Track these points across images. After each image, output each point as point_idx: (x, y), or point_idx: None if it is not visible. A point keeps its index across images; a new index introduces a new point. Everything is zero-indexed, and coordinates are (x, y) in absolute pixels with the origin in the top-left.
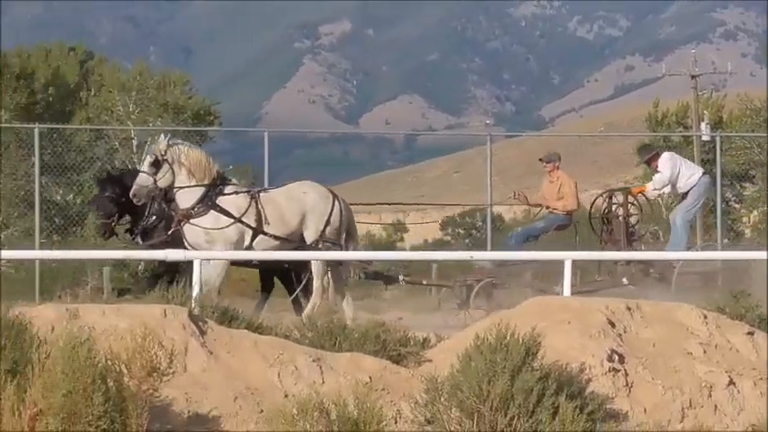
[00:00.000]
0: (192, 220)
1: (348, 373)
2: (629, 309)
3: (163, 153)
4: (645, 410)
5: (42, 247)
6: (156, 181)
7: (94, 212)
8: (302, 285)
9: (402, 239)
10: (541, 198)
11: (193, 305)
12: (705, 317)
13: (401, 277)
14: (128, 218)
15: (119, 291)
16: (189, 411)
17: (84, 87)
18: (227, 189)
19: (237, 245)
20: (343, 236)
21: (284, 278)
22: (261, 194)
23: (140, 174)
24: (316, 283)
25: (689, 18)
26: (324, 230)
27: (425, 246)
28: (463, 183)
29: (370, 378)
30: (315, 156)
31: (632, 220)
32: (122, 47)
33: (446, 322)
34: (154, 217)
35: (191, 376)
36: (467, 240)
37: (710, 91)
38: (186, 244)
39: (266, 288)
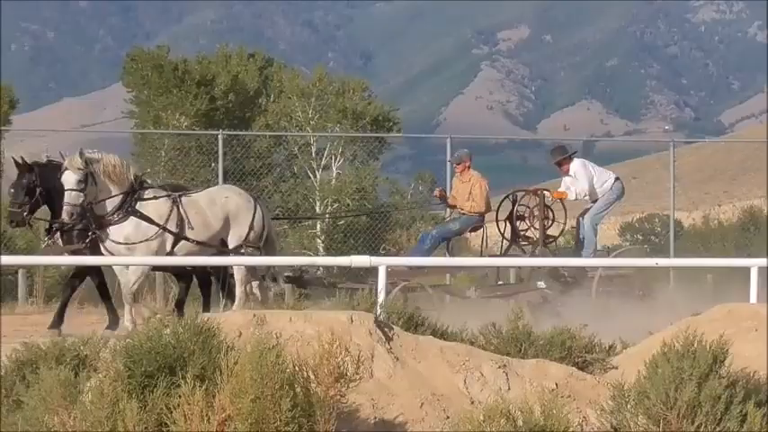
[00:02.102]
0: (111, 229)
1: (534, 379)
2: None
3: (84, 167)
4: None
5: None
6: (86, 197)
7: (9, 198)
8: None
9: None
10: (452, 198)
11: (379, 311)
12: None
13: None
14: (42, 211)
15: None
16: (375, 417)
17: (263, 93)
18: (147, 193)
19: (159, 252)
20: (263, 240)
21: (202, 283)
22: (182, 198)
23: (69, 193)
24: (239, 290)
25: None
26: (248, 235)
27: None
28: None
29: (556, 385)
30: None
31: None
32: (301, 52)
33: None
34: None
35: (377, 382)
36: (646, 246)
37: None
38: (103, 250)
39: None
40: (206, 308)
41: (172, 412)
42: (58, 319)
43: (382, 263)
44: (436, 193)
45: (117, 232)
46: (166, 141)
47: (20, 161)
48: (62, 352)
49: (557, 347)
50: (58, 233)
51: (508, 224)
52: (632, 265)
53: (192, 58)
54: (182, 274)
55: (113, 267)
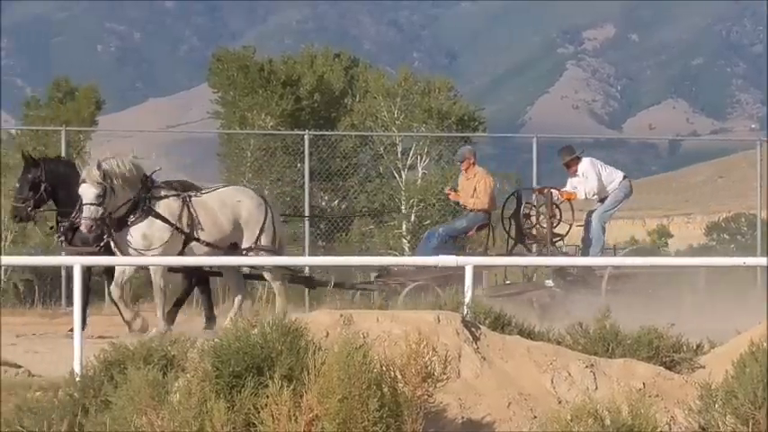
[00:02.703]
0: (129, 228)
1: (621, 379)
2: None
3: (102, 181)
4: None
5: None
6: (105, 209)
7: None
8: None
9: (666, 245)
10: (455, 195)
11: (466, 311)
12: None
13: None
14: (48, 208)
15: None
16: (462, 417)
17: (348, 93)
18: (158, 193)
19: (171, 252)
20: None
21: (202, 285)
22: (192, 198)
23: (88, 207)
24: (276, 285)
25: None
26: (258, 238)
27: (691, 251)
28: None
29: (644, 384)
30: None
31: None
32: (386, 52)
33: None
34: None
35: (464, 382)
36: (732, 246)
37: None
38: (117, 252)
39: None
40: (210, 309)
41: (259, 412)
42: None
43: (469, 262)
44: (448, 192)
45: (135, 233)
46: (252, 142)
47: (28, 157)
48: (150, 352)
49: (644, 347)
50: (67, 230)
51: (513, 222)
52: (717, 265)
53: (277, 58)
54: (188, 274)
55: (150, 269)
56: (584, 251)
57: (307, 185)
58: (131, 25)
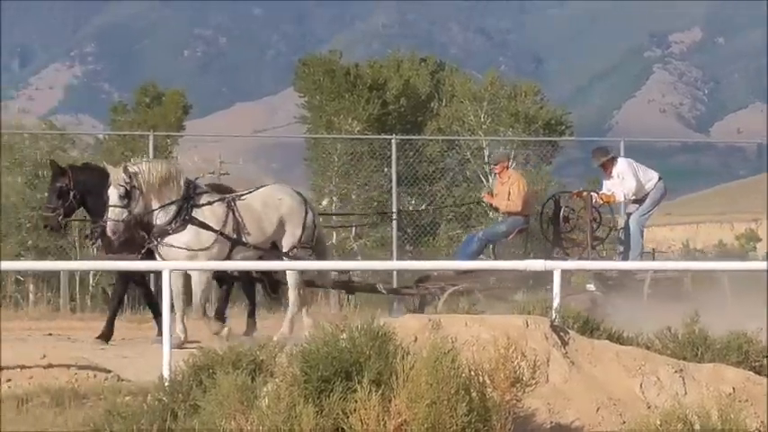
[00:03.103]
0: (170, 239)
1: (710, 384)
2: None
3: (128, 181)
4: None
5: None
6: (131, 212)
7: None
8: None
9: (754, 249)
10: (489, 197)
11: (554, 315)
12: None
13: (380, 286)
14: (79, 213)
15: None
16: (551, 422)
17: (435, 98)
18: (202, 199)
19: (218, 258)
20: (314, 241)
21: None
22: (237, 202)
23: (112, 209)
24: (292, 295)
25: None
26: (301, 236)
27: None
28: None
29: (733, 389)
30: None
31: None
32: (473, 57)
33: None
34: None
35: (553, 386)
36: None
37: None
38: (160, 260)
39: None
40: (252, 314)
41: (348, 417)
42: (220, 319)
43: (557, 266)
44: (484, 195)
45: (176, 242)
46: (339, 146)
47: (55, 166)
48: (238, 357)
49: (733, 351)
50: (102, 236)
51: (552, 226)
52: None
53: (363, 62)
54: (224, 278)
55: (192, 280)
56: (624, 255)
57: (394, 190)
58: (217, 30)
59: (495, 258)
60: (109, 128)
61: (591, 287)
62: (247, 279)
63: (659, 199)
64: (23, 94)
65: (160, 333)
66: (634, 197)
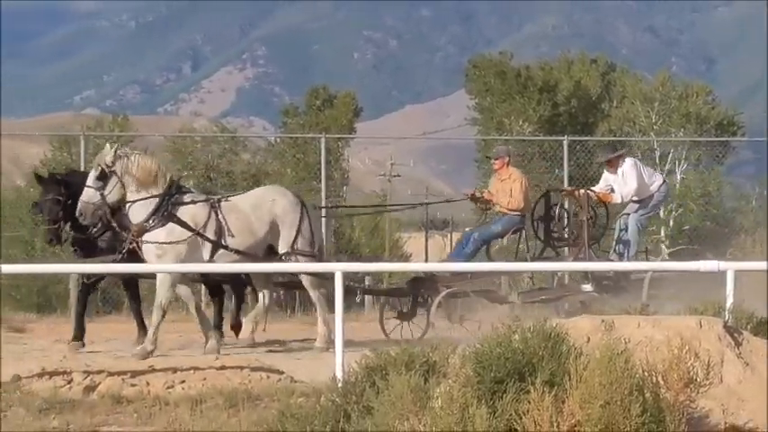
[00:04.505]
0: (146, 236)
1: None
2: None
3: (110, 165)
4: None
5: None
6: (103, 196)
7: (40, 217)
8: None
9: None
10: (488, 194)
11: (727, 316)
12: None
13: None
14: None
15: None
16: (725, 423)
17: (606, 99)
18: (186, 198)
19: (193, 260)
20: (316, 246)
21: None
22: (222, 203)
23: (85, 189)
24: (314, 295)
25: None
26: (295, 240)
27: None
28: None
29: None
30: None
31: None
32: (643, 57)
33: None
34: (98, 227)
35: (726, 387)
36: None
37: None
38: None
39: (217, 294)
40: (236, 316)
41: (521, 418)
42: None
43: (731, 267)
44: (467, 192)
45: (152, 238)
46: (510, 148)
47: (40, 178)
48: (411, 358)
49: None
50: (80, 242)
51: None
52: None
53: (534, 64)
54: (216, 289)
55: (156, 280)
56: (621, 254)
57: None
58: (387, 33)
59: (490, 259)
60: (280, 131)
61: (587, 287)
62: (239, 290)
63: (661, 201)
64: (195, 96)
65: (141, 337)
66: (636, 198)
